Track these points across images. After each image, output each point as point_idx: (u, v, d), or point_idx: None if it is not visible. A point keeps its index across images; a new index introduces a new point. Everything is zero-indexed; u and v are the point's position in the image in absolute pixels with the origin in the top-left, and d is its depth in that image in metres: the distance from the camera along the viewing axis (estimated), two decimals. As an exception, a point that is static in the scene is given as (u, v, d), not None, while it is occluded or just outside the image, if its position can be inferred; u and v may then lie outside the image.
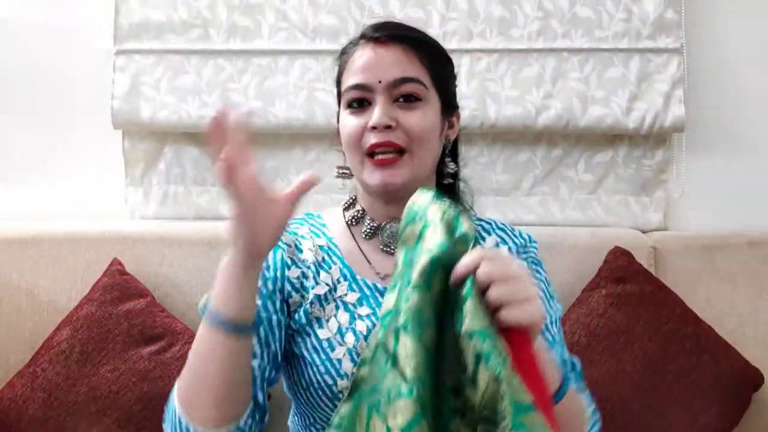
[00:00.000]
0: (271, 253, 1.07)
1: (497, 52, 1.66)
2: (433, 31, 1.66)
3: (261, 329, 1.04)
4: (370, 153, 1.06)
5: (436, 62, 1.10)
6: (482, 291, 0.75)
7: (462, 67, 1.66)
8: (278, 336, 1.06)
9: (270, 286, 1.07)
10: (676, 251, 1.59)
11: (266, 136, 1.70)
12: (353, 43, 1.12)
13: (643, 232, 1.66)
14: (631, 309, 1.46)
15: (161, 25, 1.66)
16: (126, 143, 1.71)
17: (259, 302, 1.04)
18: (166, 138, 1.71)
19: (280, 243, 1.09)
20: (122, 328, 1.42)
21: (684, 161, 1.71)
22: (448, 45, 1.65)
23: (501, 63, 1.66)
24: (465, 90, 1.65)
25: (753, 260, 1.58)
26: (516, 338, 0.74)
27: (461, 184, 1.21)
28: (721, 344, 1.47)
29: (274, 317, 1.05)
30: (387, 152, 1.05)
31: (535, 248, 1.18)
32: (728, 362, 1.45)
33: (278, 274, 1.08)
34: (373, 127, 1.04)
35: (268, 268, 1.08)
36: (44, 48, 1.72)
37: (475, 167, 1.70)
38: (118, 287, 1.46)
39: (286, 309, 1.08)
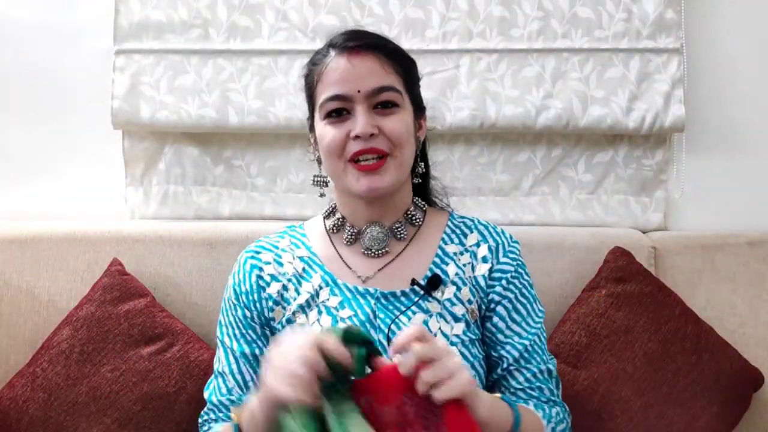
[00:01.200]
0: (245, 278, 1.16)
1: (497, 52, 1.66)
2: (433, 32, 1.66)
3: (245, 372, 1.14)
4: (354, 159, 1.09)
5: (406, 68, 1.14)
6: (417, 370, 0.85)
7: (462, 67, 1.66)
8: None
9: (242, 315, 1.15)
10: (676, 251, 1.59)
11: (266, 136, 1.70)
12: (323, 54, 1.13)
13: (643, 232, 1.66)
14: (631, 309, 1.46)
15: (161, 25, 1.66)
16: (126, 143, 1.71)
17: (237, 342, 1.14)
18: (166, 138, 1.71)
19: (255, 263, 1.17)
20: (122, 328, 1.42)
21: (684, 161, 1.71)
22: (448, 45, 1.67)
23: (501, 63, 1.66)
24: (465, 90, 1.65)
25: (753, 260, 1.58)
26: (451, 410, 0.84)
27: (432, 182, 1.26)
28: (721, 344, 1.47)
29: (257, 351, 1.13)
30: (370, 158, 1.08)
31: (518, 249, 1.19)
32: (728, 362, 1.45)
33: (254, 297, 1.15)
34: (357, 136, 1.07)
35: (238, 297, 1.16)
36: (44, 48, 1.72)
37: (475, 167, 1.71)
38: (118, 287, 1.46)
39: (266, 333, 1.14)
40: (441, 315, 1.10)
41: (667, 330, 1.45)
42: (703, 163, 1.72)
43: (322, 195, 1.19)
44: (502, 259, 1.16)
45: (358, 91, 1.07)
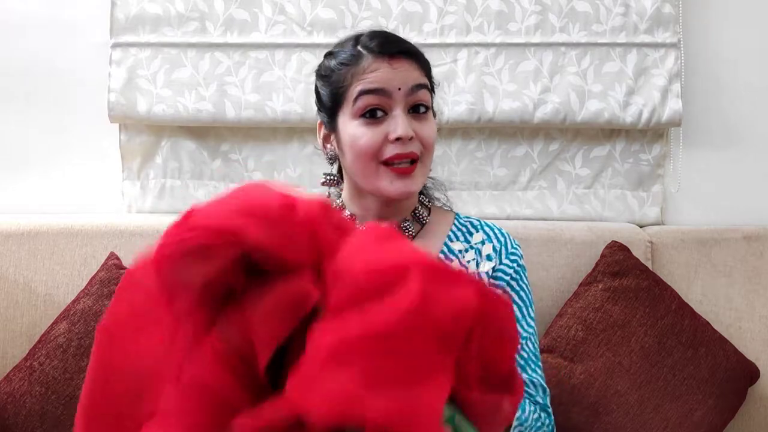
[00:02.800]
0: None
1: (495, 46, 1.66)
2: (431, 25, 1.66)
3: None
4: (387, 162, 1.09)
5: (430, 75, 1.18)
6: None
7: (459, 61, 1.65)
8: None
9: None
10: (673, 245, 1.60)
11: (263, 130, 1.70)
12: (354, 55, 1.12)
13: (640, 227, 1.66)
14: (628, 303, 1.46)
15: (158, 18, 1.66)
16: (123, 137, 1.71)
17: None
18: (162, 131, 1.71)
19: None
20: (119, 322, 1.42)
21: (681, 156, 1.71)
22: (445, 39, 1.66)
23: (499, 57, 1.66)
24: (462, 84, 1.65)
25: (749, 254, 1.59)
26: None
27: (429, 181, 1.26)
28: (717, 338, 1.48)
29: None
30: (405, 162, 1.10)
31: (520, 253, 1.21)
32: (724, 356, 1.46)
33: None
34: (397, 138, 1.08)
35: None
36: (40, 41, 1.72)
37: (473, 161, 1.71)
38: (115, 281, 1.46)
39: None
40: None
41: (664, 324, 1.45)
42: (700, 158, 1.72)
43: (329, 195, 1.21)
44: (504, 260, 1.18)
45: (399, 89, 1.08)
